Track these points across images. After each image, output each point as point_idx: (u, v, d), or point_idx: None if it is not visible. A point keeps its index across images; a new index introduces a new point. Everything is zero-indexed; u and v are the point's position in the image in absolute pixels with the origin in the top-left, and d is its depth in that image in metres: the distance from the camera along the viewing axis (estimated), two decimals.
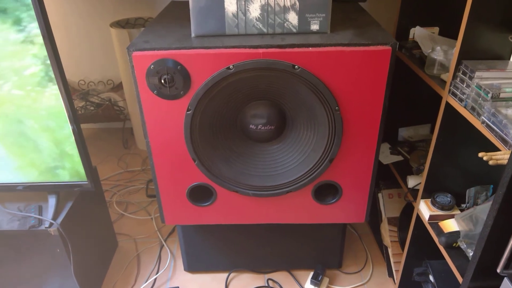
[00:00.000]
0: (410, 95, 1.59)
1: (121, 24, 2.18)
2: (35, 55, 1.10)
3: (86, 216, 1.50)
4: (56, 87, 1.15)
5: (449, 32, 1.41)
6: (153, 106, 1.11)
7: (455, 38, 1.34)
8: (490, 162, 0.86)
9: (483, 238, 0.84)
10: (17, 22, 1.06)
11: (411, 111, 1.63)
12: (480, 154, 0.88)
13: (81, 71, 2.54)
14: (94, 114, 2.39)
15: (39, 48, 1.09)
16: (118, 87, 2.54)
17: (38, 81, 1.14)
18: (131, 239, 1.84)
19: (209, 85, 1.06)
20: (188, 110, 1.10)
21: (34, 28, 1.06)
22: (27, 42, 1.08)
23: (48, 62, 1.11)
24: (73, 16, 2.36)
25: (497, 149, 0.89)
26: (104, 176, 2.26)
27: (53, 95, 1.16)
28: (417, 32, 1.41)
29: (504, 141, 0.85)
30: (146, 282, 1.62)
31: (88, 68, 2.53)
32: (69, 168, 1.29)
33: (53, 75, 1.13)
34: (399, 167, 1.51)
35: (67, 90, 1.17)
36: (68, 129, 1.22)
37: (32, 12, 1.04)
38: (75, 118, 1.21)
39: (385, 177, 1.70)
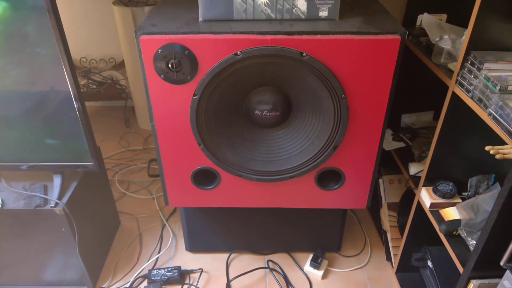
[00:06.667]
0: (415, 82, 1.59)
1: (124, 2, 2.15)
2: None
3: (90, 195, 1.51)
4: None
5: (457, 19, 1.40)
6: (159, 90, 1.11)
7: (463, 25, 1.34)
8: (497, 156, 0.86)
9: (487, 230, 0.86)
10: None
11: (415, 98, 1.63)
12: (487, 148, 0.89)
13: (83, 48, 2.51)
14: (96, 93, 2.38)
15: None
16: (120, 66, 2.52)
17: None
18: (133, 218, 1.86)
19: (216, 70, 1.05)
20: (194, 95, 1.10)
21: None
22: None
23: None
24: None
25: (503, 142, 0.90)
26: (106, 155, 2.26)
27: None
28: (425, 19, 1.39)
29: (511, 135, 0.85)
30: (148, 261, 1.65)
31: (90, 45, 2.50)
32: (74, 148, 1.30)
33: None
34: (401, 153, 1.52)
35: (72, 68, 1.16)
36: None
37: None
38: (80, 96, 1.21)
39: (387, 163, 1.71)
